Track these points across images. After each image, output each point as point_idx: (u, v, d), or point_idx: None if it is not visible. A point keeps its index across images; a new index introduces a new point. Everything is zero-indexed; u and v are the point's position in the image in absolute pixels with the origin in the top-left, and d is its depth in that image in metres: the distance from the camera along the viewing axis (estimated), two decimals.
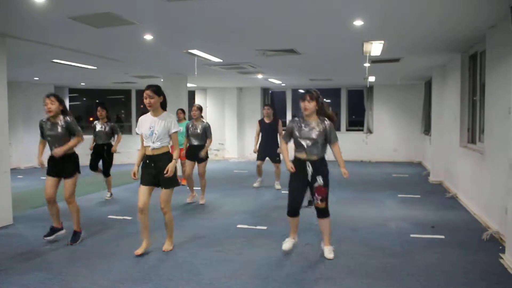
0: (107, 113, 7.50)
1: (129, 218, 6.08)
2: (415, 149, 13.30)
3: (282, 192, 8.06)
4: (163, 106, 4.53)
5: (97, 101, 15.01)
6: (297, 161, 4.35)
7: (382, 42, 6.28)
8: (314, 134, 4.25)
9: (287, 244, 4.47)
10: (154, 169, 4.39)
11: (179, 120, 8.72)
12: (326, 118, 4.35)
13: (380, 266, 4.10)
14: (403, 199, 7.35)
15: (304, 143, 4.27)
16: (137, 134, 4.58)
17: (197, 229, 5.48)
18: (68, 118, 4.88)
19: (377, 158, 13.65)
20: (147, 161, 4.43)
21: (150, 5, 4.37)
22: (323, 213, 4.34)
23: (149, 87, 4.37)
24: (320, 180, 4.23)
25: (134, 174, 4.49)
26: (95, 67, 8.93)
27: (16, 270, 4.05)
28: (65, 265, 4.18)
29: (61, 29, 5.44)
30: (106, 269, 4.07)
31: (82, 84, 12.96)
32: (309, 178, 4.26)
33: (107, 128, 7.39)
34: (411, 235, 5.13)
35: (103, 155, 7.41)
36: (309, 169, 4.25)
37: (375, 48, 6.67)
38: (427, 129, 11.64)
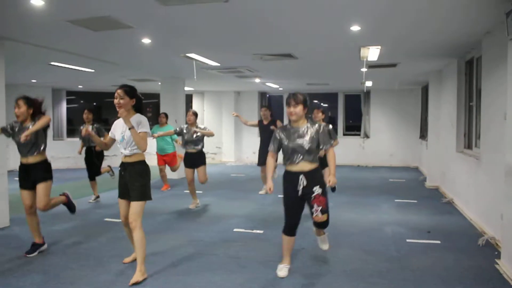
0: (93, 117, 7.45)
1: None
2: (412, 154, 13.33)
3: (279, 196, 8.05)
4: (138, 110, 3.98)
5: (94, 103, 15.00)
6: (289, 175, 3.85)
7: (379, 47, 6.31)
8: (305, 141, 3.76)
9: (282, 272, 3.97)
10: (124, 179, 3.94)
11: (161, 125, 8.61)
12: (318, 123, 3.90)
13: (376, 271, 4.10)
14: (400, 204, 7.37)
15: (294, 153, 3.79)
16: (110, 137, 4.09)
17: (193, 233, 5.48)
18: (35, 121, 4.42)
19: (374, 163, 13.68)
20: (120, 169, 4.00)
21: (148, 9, 4.39)
22: (324, 225, 3.89)
23: (121, 86, 3.89)
24: (317, 189, 3.74)
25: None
26: (93, 70, 8.93)
27: (12, 272, 4.04)
28: (61, 267, 4.17)
29: (59, 32, 5.44)
30: (103, 271, 4.06)
31: (79, 86, 12.96)
32: (300, 193, 3.77)
33: (93, 131, 7.33)
34: (407, 240, 5.15)
35: (93, 158, 7.40)
36: (301, 181, 3.75)
37: (372, 53, 6.70)
38: (423, 134, 11.68)
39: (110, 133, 4.07)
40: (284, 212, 3.93)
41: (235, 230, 5.64)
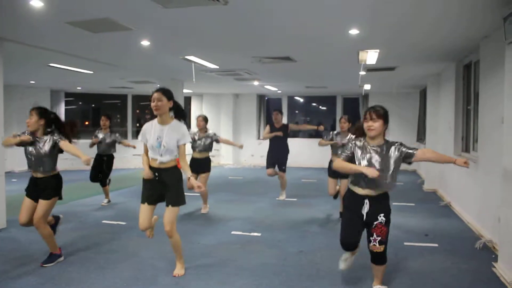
0: (111, 123, 7.42)
1: (124, 223, 6.07)
2: None
3: (276, 199, 8.07)
4: (177, 114, 3.92)
5: (92, 105, 15.00)
6: (352, 196, 3.52)
7: (378, 50, 6.33)
8: (379, 163, 3.36)
9: (346, 263, 3.80)
10: (158, 183, 3.87)
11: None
12: (393, 142, 3.50)
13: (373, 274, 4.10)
14: (398, 207, 7.36)
15: (363, 179, 3.37)
16: (140, 140, 3.98)
17: (191, 235, 5.47)
18: (55, 137, 4.29)
19: None
20: (154, 174, 3.89)
21: (147, 11, 4.39)
22: (380, 259, 3.52)
23: (158, 89, 3.82)
24: (381, 218, 3.43)
25: (148, 174, 3.88)
26: (92, 72, 8.93)
27: (8, 274, 4.03)
28: (57, 270, 4.16)
29: (58, 34, 5.45)
30: (99, 274, 4.06)
31: (78, 88, 12.94)
32: (364, 218, 3.45)
33: (107, 140, 7.34)
34: (405, 243, 5.15)
35: (102, 166, 7.35)
36: (366, 207, 3.43)
37: (371, 56, 6.72)
38: (421, 137, 11.70)
39: (141, 136, 3.94)
40: (340, 227, 3.66)
41: (233, 232, 5.64)
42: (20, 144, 4.26)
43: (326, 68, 8.37)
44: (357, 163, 3.41)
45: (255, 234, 5.57)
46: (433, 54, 6.72)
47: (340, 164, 3.42)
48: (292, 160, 14.09)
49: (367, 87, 11.68)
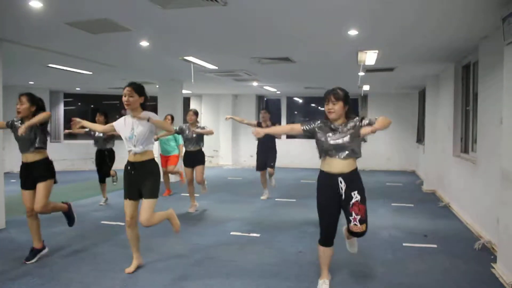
0: (106, 119, 7.42)
1: (122, 224, 6.04)
2: (409, 158, 13.36)
3: (276, 200, 8.07)
4: (144, 109, 4.03)
5: (91, 106, 14.98)
6: (324, 177, 3.52)
7: (377, 51, 6.34)
8: (345, 140, 3.42)
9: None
10: (135, 178, 3.93)
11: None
12: (355, 118, 3.53)
13: (372, 274, 4.11)
14: (396, 208, 7.38)
15: (333, 153, 3.45)
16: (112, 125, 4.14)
17: (190, 236, 5.47)
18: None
19: (371, 167, 13.67)
20: (128, 168, 3.98)
21: (146, 12, 4.40)
22: (361, 235, 3.56)
23: (130, 84, 3.90)
24: (356, 196, 3.43)
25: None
26: (91, 72, 8.93)
27: (8, 275, 4.02)
28: (57, 270, 4.16)
29: (57, 35, 5.45)
30: (99, 275, 4.05)
31: (77, 89, 12.94)
32: (343, 196, 3.45)
33: (104, 134, 7.32)
34: (404, 244, 5.16)
35: (105, 160, 7.34)
36: (341, 185, 3.43)
37: (370, 57, 6.73)
38: (420, 138, 11.71)
39: (115, 123, 4.08)
40: (319, 219, 3.62)
41: (231, 233, 5.64)
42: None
43: (325, 68, 8.38)
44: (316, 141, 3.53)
45: (254, 234, 5.57)
46: (432, 55, 6.73)
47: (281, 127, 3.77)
48: (292, 160, 14.22)
49: (366, 87, 11.69)
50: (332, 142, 3.46)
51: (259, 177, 8.28)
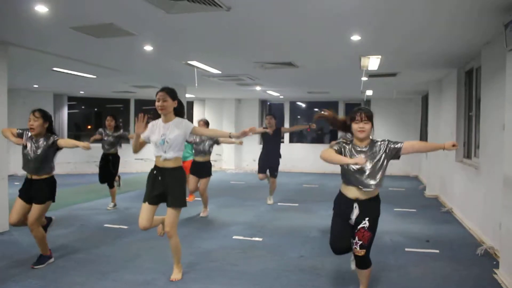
0: (116, 123, 7.41)
1: (126, 227, 6.08)
2: (412, 163, 13.33)
3: (279, 204, 8.08)
4: (178, 113, 3.97)
5: (95, 109, 15.03)
6: (342, 199, 3.45)
7: (379, 57, 6.35)
8: (369, 164, 3.30)
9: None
10: (161, 185, 3.87)
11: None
12: (379, 140, 3.42)
13: (374, 279, 4.10)
14: (399, 213, 7.37)
15: (354, 176, 3.33)
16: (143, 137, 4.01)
17: (192, 240, 5.48)
18: (52, 136, 4.30)
19: None
20: (155, 172, 3.91)
21: (150, 17, 4.43)
22: (362, 263, 3.45)
23: (163, 89, 3.88)
24: (365, 222, 3.33)
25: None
26: (95, 76, 8.97)
27: (11, 277, 4.04)
28: (59, 273, 4.18)
29: (62, 39, 5.49)
30: (100, 277, 4.07)
31: (81, 92, 13.00)
32: (353, 222, 3.37)
33: (111, 138, 7.31)
34: (406, 249, 5.15)
35: (109, 166, 7.35)
36: (356, 211, 3.34)
37: (372, 62, 6.75)
38: None
39: (143, 136, 3.96)
40: (330, 231, 3.56)
41: (234, 237, 5.65)
42: (15, 141, 4.35)
43: (328, 73, 8.39)
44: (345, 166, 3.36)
45: (257, 239, 5.57)
46: (435, 60, 6.74)
47: (328, 153, 3.28)
48: (295, 165, 14.22)
49: (369, 92, 11.70)
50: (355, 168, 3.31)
51: (261, 181, 8.29)
